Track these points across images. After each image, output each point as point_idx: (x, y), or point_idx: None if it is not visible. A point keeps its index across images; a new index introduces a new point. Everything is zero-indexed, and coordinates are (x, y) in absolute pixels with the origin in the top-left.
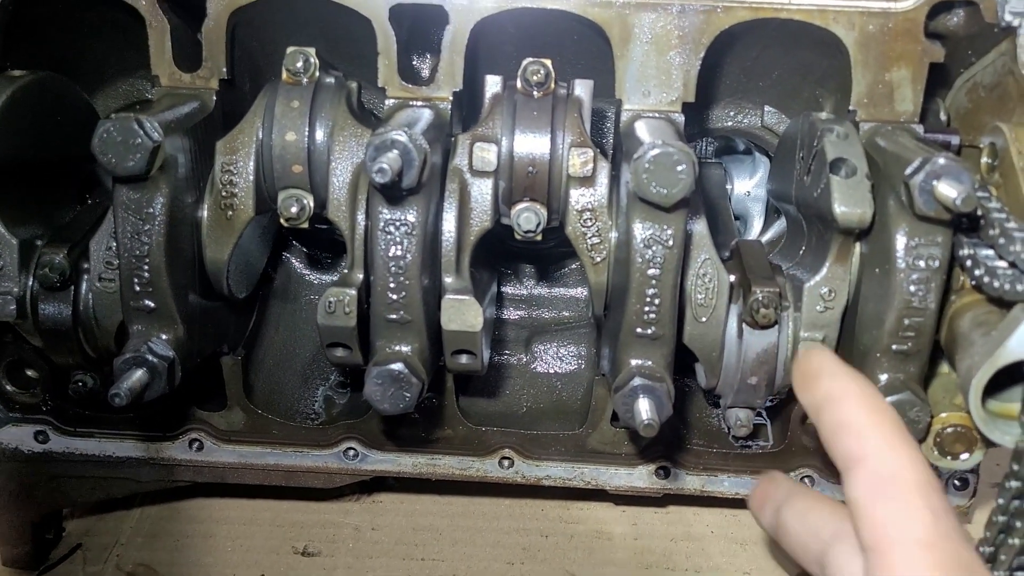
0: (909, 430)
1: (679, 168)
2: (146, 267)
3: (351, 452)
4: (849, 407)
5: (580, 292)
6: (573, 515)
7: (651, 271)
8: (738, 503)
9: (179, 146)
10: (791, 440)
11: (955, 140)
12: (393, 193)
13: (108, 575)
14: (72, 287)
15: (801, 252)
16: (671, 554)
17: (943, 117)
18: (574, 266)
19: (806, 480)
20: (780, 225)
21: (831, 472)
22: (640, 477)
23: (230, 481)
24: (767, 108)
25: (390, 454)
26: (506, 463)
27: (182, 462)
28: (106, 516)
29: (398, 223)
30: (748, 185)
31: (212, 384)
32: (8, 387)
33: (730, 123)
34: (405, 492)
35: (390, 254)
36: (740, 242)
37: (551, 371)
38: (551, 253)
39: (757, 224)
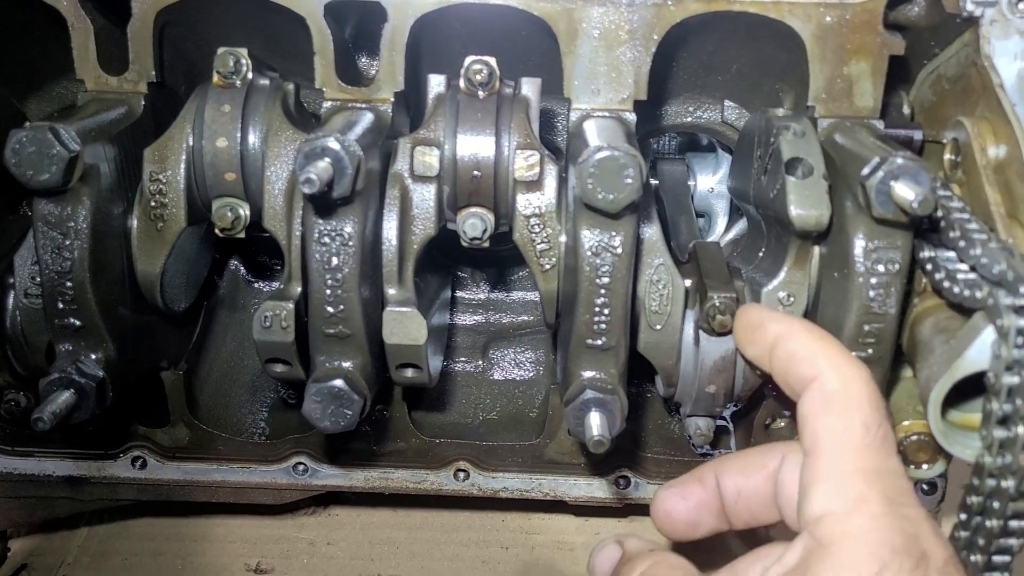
0: None
1: (625, 172)
2: (69, 283)
3: (300, 467)
4: (798, 339)
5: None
6: (534, 526)
7: (600, 280)
8: None
9: (102, 155)
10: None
11: (918, 135)
12: (325, 203)
13: None
14: None
15: (760, 254)
16: None
17: (906, 111)
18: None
19: None
20: (744, 224)
21: None
22: (600, 487)
23: (176, 499)
24: (727, 103)
25: (341, 469)
26: (461, 475)
27: (125, 480)
28: (52, 535)
29: (333, 233)
30: (711, 182)
31: (155, 399)
32: None
33: (690, 119)
34: (362, 505)
35: (326, 266)
36: (697, 244)
37: (509, 378)
38: (508, 256)
39: (721, 222)
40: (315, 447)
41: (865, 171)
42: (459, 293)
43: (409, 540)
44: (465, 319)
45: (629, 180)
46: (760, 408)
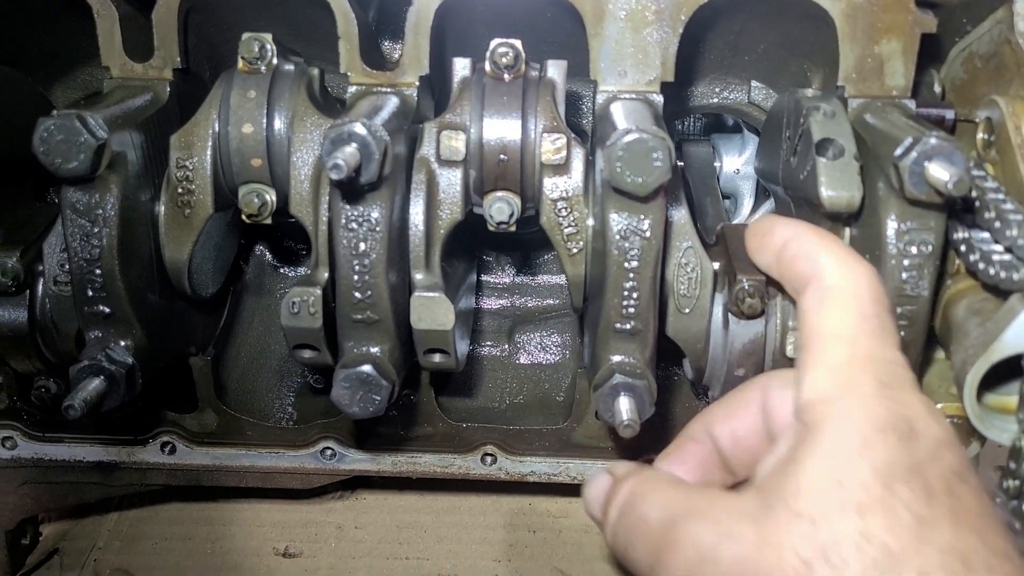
0: None
1: (654, 155)
2: (98, 271)
3: (328, 452)
4: (803, 240)
5: (565, 279)
6: (561, 509)
7: (629, 263)
8: None
9: (129, 142)
10: None
11: (950, 115)
12: (353, 188)
13: None
14: (28, 291)
15: None
16: None
17: (937, 90)
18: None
19: None
20: (771, 204)
21: None
22: None
23: (205, 484)
24: (754, 83)
25: (369, 453)
26: (489, 459)
27: (154, 465)
28: (83, 520)
29: (360, 219)
30: (738, 163)
31: (183, 385)
32: None
33: (716, 100)
34: (389, 489)
35: (354, 251)
36: (726, 227)
37: (535, 362)
38: (534, 239)
39: (747, 203)
40: (343, 432)
41: (898, 152)
42: (484, 277)
43: (436, 524)
44: (490, 303)
45: (658, 163)
46: None
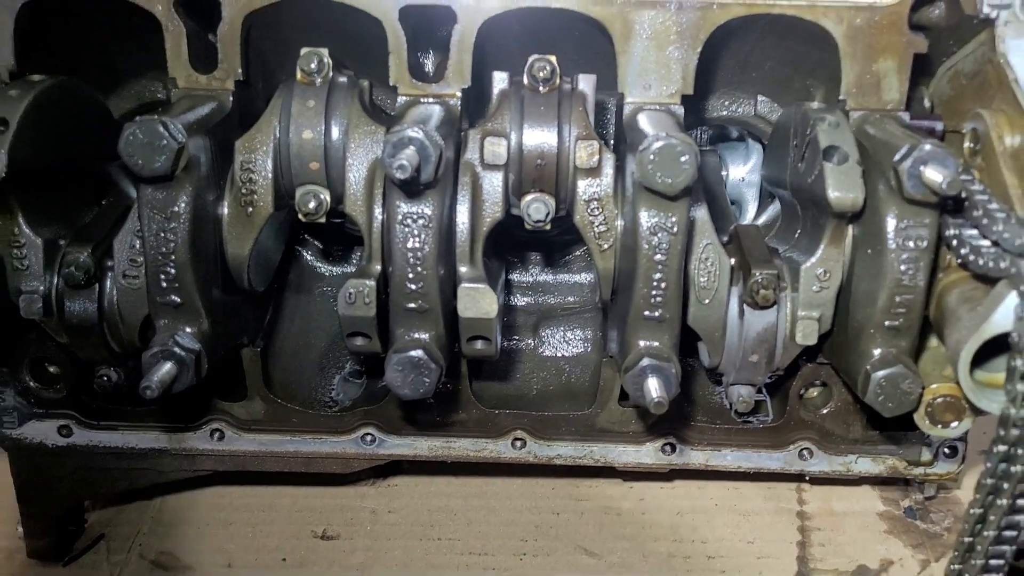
0: (904, 402)
1: (683, 159)
2: (172, 264)
3: (368, 437)
4: None
5: (584, 278)
6: (582, 492)
7: (657, 257)
8: (740, 476)
9: (201, 146)
10: (790, 414)
11: (939, 126)
12: (411, 188)
13: (132, 564)
14: (96, 285)
15: (796, 235)
16: (678, 527)
17: (927, 104)
18: (578, 253)
19: (804, 452)
20: (773, 209)
21: (827, 443)
22: (647, 454)
23: (250, 469)
24: (760, 98)
25: (407, 438)
26: (518, 444)
27: (204, 452)
28: (126, 507)
29: (415, 216)
30: (742, 171)
31: (231, 375)
32: (31, 383)
33: (725, 112)
34: (418, 475)
35: (408, 246)
36: (739, 226)
37: (559, 354)
38: (555, 241)
39: (751, 209)
40: (382, 418)
41: (897, 157)
42: (510, 276)
43: (465, 508)
44: (517, 300)
45: (686, 165)
46: (795, 379)
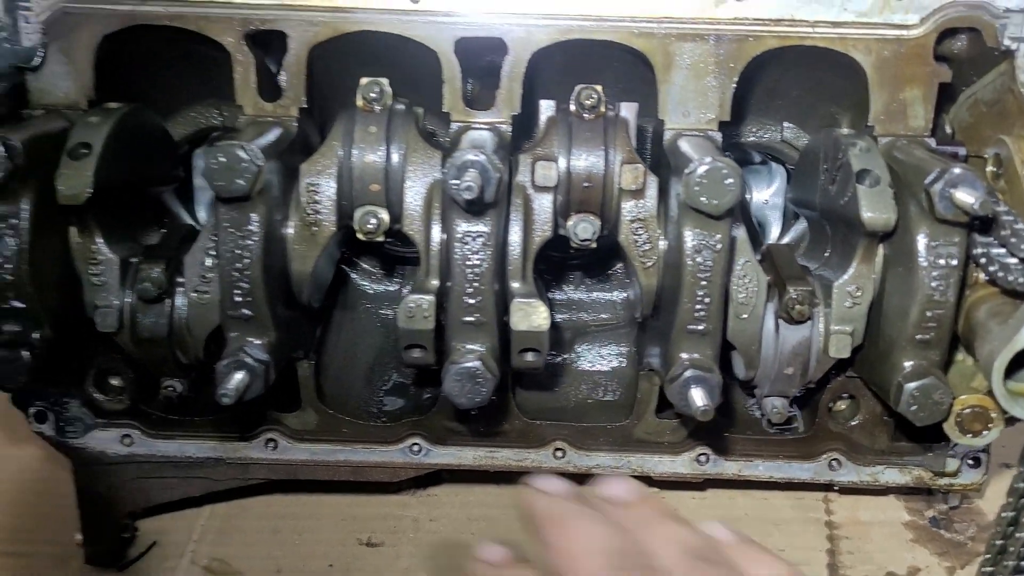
0: (935, 412)
1: (728, 181)
2: (246, 280)
3: (415, 447)
4: None
5: (616, 296)
6: None
7: (701, 273)
8: (770, 486)
9: (272, 169)
10: (819, 426)
11: (962, 151)
12: (473, 208)
13: (184, 570)
14: (167, 300)
15: (826, 254)
16: None
17: (948, 130)
18: (609, 272)
19: (833, 463)
20: (796, 230)
21: (855, 454)
22: (683, 464)
23: (301, 477)
24: (786, 124)
25: (452, 448)
26: (559, 454)
27: (258, 460)
28: (177, 515)
29: (475, 235)
30: (766, 194)
31: (285, 387)
32: (95, 394)
33: (752, 138)
34: (456, 484)
35: (467, 262)
36: (771, 246)
37: (594, 369)
38: (587, 263)
39: (775, 230)
40: (430, 429)
41: (929, 179)
42: (548, 295)
43: (505, 516)
44: (553, 317)
45: (731, 187)
46: (823, 392)
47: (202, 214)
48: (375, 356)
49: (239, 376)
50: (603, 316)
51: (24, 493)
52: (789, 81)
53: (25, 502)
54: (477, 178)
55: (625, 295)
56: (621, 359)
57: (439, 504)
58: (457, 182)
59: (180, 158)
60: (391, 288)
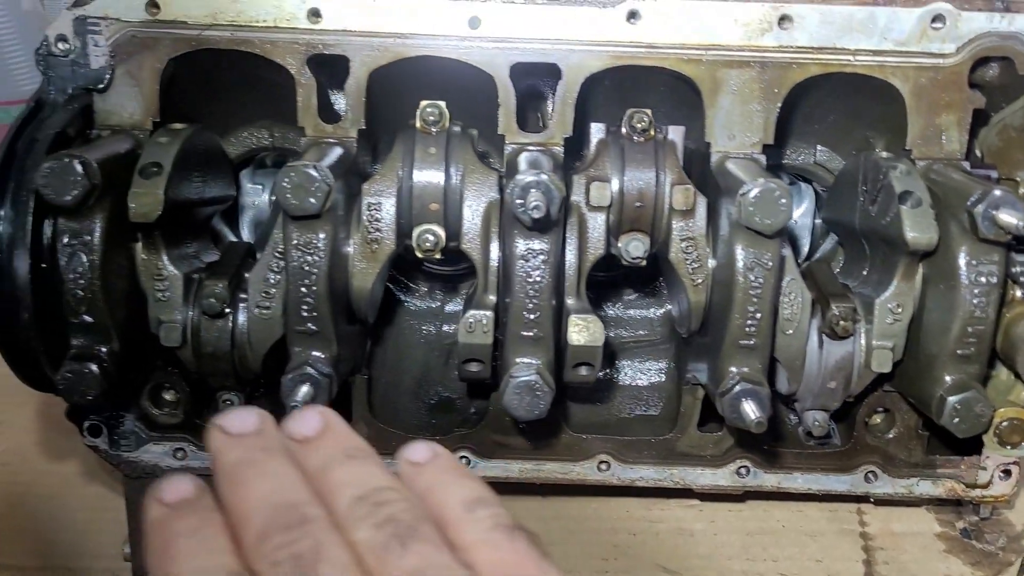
0: (976, 424)
1: (781, 201)
2: (312, 295)
3: (464, 461)
4: None
5: (654, 313)
6: (655, 515)
7: (753, 290)
8: (805, 498)
9: (338, 188)
10: (856, 440)
11: (994, 174)
12: (537, 226)
13: None
14: (230, 315)
15: (864, 272)
16: (749, 547)
17: (978, 154)
18: (644, 292)
19: (870, 475)
20: (824, 248)
21: (891, 467)
22: (724, 476)
23: None
24: (819, 147)
25: (499, 461)
26: (604, 466)
27: None
28: None
29: (536, 252)
30: (795, 214)
31: (336, 403)
32: (151, 409)
33: (786, 161)
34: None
35: (528, 279)
36: (811, 264)
37: (634, 384)
38: (622, 282)
39: (804, 248)
40: (478, 442)
41: (971, 201)
42: None
43: (546, 529)
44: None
45: (783, 207)
46: (860, 406)
47: (245, 233)
48: (421, 371)
49: (305, 389)
50: (641, 332)
51: (69, 508)
52: (825, 106)
53: (69, 517)
54: (542, 198)
55: (661, 312)
56: (660, 374)
57: None
58: (523, 201)
59: (234, 178)
60: (433, 305)
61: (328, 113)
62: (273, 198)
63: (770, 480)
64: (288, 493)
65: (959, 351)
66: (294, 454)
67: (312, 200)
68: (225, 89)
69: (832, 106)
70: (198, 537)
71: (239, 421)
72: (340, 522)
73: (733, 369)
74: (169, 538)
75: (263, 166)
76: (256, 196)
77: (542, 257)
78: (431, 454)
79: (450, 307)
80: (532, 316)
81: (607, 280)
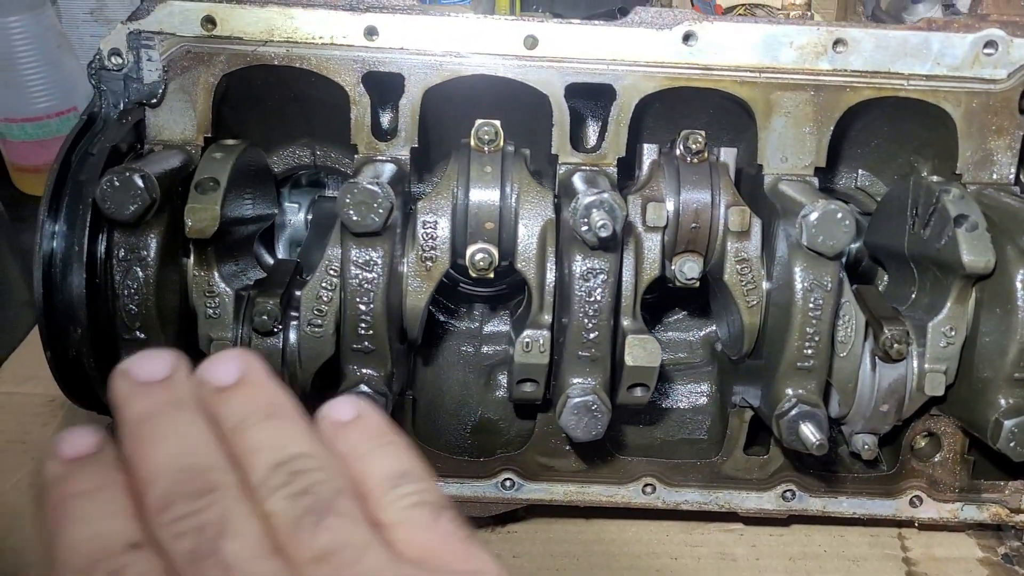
0: None
1: (844, 223)
2: (370, 313)
3: (508, 482)
4: None
5: (693, 336)
6: (695, 539)
7: (812, 312)
8: (847, 522)
9: (398, 205)
10: (902, 464)
11: None
12: (602, 245)
13: None
14: (281, 333)
15: (913, 296)
16: (792, 571)
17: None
18: (683, 314)
19: (915, 500)
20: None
21: (936, 491)
22: (768, 500)
23: None
24: (861, 171)
25: (543, 483)
26: (648, 489)
27: None
28: None
29: (596, 271)
30: None
31: None
32: None
33: (828, 185)
34: (534, 520)
35: (588, 298)
36: (860, 287)
37: (676, 407)
38: (658, 304)
39: None
40: (522, 464)
41: None
42: None
43: (587, 553)
44: None
45: (846, 228)
46: (907, 430)
47: (281, 252)
48: (460, 391)
49: None
50: (681, 355)
51: None
52: (871, 130)
53: None
54: (607, 216)
55: (701, 334)
56: (703, 396)
57: (519, 541)
58: (587, 220)
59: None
60: (472, 326)
61: (378, 131)
62: (310, 216)
63: (815, 504)
64: (196, 455)
65: (1016, 375)
66: (208, 406)
67: (374, 217)
68: (271, 106)
69: (877, 130)
70: (95, 499)
71: (147, 366)
72: (252, 490)
73: (789, 391)
74: (63, 499)
75: (299, 185)
76: (292, 215)
77: (603, 277)
78: (355, 413)
79: (488, 328)
80: (591, 336)
81: (650, 302)
